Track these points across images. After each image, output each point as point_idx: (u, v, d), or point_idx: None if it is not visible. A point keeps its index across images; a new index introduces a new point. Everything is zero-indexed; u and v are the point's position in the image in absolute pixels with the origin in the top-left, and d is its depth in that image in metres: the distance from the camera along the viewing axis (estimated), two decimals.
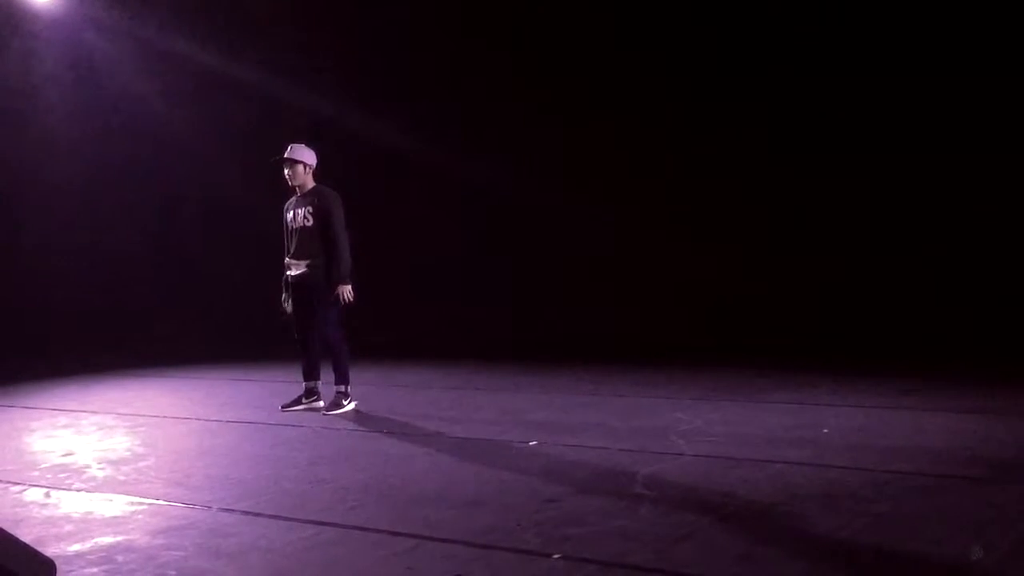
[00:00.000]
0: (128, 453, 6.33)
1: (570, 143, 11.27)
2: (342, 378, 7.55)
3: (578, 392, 8.31)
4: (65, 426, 7.43)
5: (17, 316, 11.62)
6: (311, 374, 7.74)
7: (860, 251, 10.10)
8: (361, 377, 8.87)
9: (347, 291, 7.28)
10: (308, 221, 7.40)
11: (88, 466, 5.97)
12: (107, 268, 12.94)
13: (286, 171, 7.52)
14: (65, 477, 5.70)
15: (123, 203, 13.04)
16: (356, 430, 6.92)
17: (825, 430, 6.25)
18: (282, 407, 7.68)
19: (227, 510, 4.82)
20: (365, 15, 12.20)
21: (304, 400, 7.70)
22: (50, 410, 8.20)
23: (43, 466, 6.03)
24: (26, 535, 4.21)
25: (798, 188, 10.27)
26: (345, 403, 7.53)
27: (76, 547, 4.29)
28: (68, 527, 4.62)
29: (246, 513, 4.75)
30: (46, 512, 4.94)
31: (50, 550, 4.13)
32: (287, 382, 9.27)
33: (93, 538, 4.42)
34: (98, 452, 6.39)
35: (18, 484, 5.54)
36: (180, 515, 4.79)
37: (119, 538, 4.41)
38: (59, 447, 6.62)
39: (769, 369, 8.97)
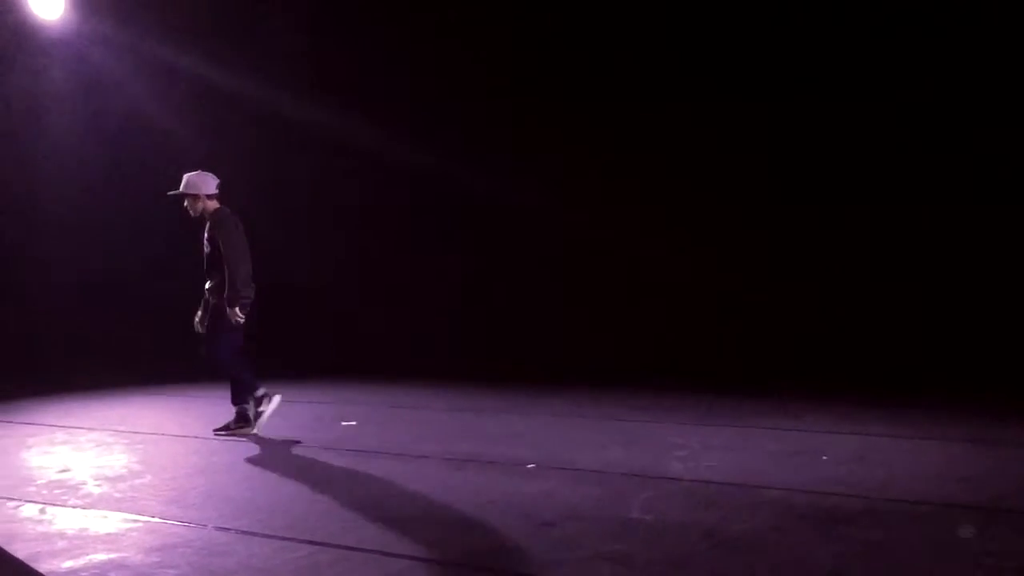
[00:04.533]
0: (125, 470, 6.32)
1: (573, 163, 11.30)
2: (238, 398, 7.48)
3: (577, 415, 8.30)
4: (63, 442, 7.42)
5: (18, 332, 11.62)
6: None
7: (859, 277, 10.10)
8: (359, 397, 8.89)
9: (235, 315, 7.22)
10: (207, 247, 7.42)
11: (84, 483, 5.96)
12: (111, 284, 12.95)
13: (185, 203, 7.52)
14: (61, 493, 5.69)
15: (128, 220, 13.06)
16: (352, 450, 6.90)
17: (824, 457, 6.24)
18: (214, 431, 7.56)
19: (222, 529, 4.81)
20: (367, 30, 12.25)
21: (232, 424, 7.53)
22: (48, 426, 8.18)
23: (39, 482, 6.02)
24: (20, 551, 4.21)
25: (800, 212, 10.28)
26: (234, 426, 7.47)
27: (69, 564, 4.28)
28: (62, 543, 4.60)
29: (241, 532, 4.74)
30: (40, 528, 4.93)
31: (43, 566, 4.13)
32: (286, 401, 9.26)
33: (87, 555, 4.41)
34: (95, 469, 6.38)
35: (14, 500, 5.52)
36: (175, 533, 4.77)
37: (113, 555, 4.40)
38: (56, 463, 6.60)
39: (768, 394, 8.97)
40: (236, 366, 7.43)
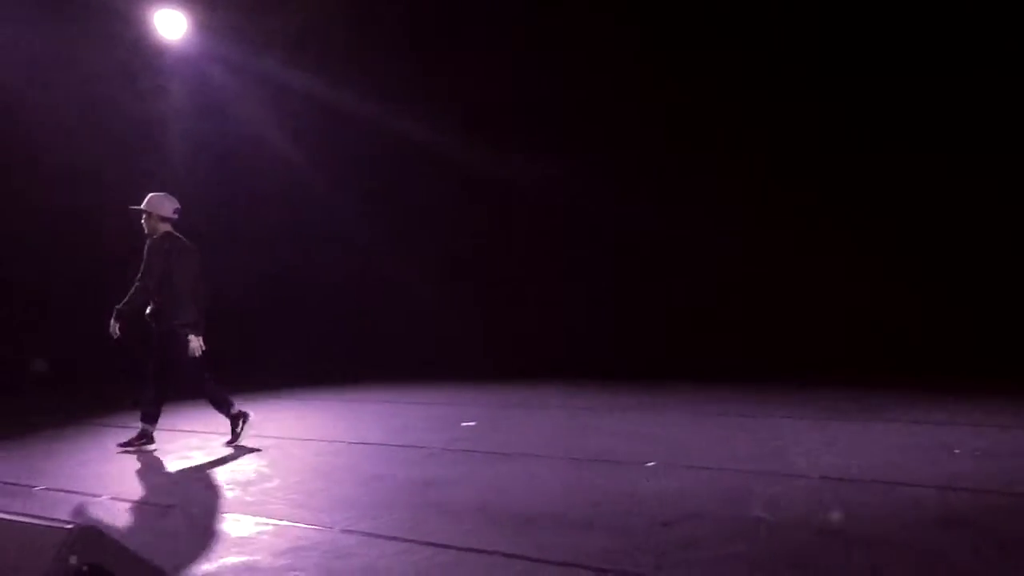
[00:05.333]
0: (254, 474, 6.54)
1: (694, 169, 11.16)
2: (230, 417, 7.68)
3: (699, 413, 8.20)
4: (197, 447, 7.72)
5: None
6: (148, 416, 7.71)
7: (987, 268, 9.70)
8: (478, 397, 8.99)
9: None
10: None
11: (218, 487, 6.19)
12: (231, 294, 13.41)
13: (143, 220, 7.61)
14: (196, 498, 5.92)
15: (246, 230, 13.51)
16: (473, 451, 6.98)
17: (956, 451, 6.02)
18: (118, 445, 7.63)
19: (347, 531, 4.93)
20: (475, 45, 12.32)
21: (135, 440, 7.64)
22: (184, 431, 8.51)
23: (176, 486, 6.28)
24: (158, 555, 4.39)
25: (932, 202, 9.95)
26: (238, 430, 7.64)
27: (205, 567, 4.46)
28: (197, 547, 4.80)
29: (365, 534, 4.85)
30: (178, 532, 5.15)
31: (181, 570, 4.31)
32: (406, 403, 9.47)
33: (220, 558, 4.58)
34: (227, 473, 6.63)
35: (153, 504, 5.78)
36: (303, 536, 4.92)
37: (244, 558, 4.56)
38: (191, 468, 6.88)
39: (893, 388, 8.69)
40: (205, 387, 7.62)
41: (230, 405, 7.70)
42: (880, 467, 5.68)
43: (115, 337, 7.37)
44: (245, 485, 6.20)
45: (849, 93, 10.43)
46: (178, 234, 7.68)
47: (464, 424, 8.15)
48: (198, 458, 7.28)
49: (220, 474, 6.60)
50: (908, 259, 10.12)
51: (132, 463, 7.22)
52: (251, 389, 11.12)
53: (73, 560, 3.03)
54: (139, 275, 7.45)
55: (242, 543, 4.84)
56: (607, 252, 11.96)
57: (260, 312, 13.53)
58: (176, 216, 7.69)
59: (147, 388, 7.68)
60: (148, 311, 7.48)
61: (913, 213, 10.13)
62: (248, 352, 12.99)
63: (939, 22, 9.87)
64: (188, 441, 8.02)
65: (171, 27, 12.00)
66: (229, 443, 7.65)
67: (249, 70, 12.86)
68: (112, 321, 7.33)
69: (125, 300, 7.40)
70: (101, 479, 6.68)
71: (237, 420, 7.68)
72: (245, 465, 6.89)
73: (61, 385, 11.98)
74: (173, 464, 7.11)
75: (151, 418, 7.67)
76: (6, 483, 6.67)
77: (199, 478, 6.50)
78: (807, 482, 5.43)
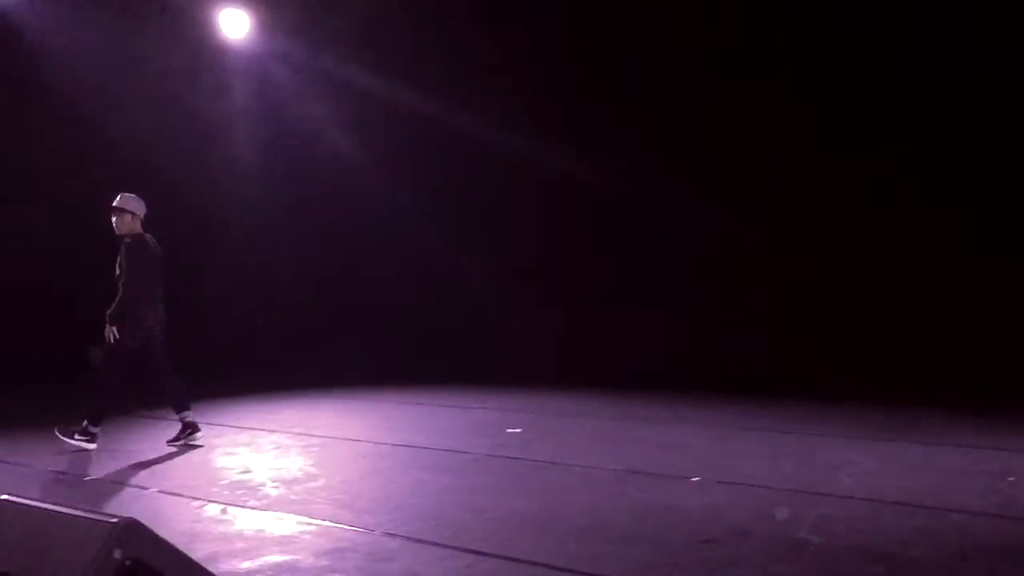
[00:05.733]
0: (300, 473, 6.58)
1: (741, 168, 11.03)
2: (91, 416, 7.49)
3: (746, 427, 8.08)
4: (245, 444, 7.79)
5: (205, 338, 12.24)
6: (179, 407, 7.76)
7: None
8: (525, 404, 8.94)
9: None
10: (118, 269, 7.53)
11: (263, 484, 6.24)
12: (290, 292, 13.54)
13: (114, 218, 7.64)
14: (241, 494, 5.97)
15: (307, 228, 13.62)
16: (517, 459, 6.95)
17: (1011, 478, 5.87)
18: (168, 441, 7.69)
19: (389, 535, 4.94)
20: (540, 42, 12.28)
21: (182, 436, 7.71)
22: (232, 427, 8.60)
23: (222, 482, 6.34)
24: (201, 550, 4.44)
25: (991, 220, 9.73)
26: (76, 438, 7.44)
27: (247, 564, 4.49)
28: (240, 544, 4.83)
29: (407, 539, 4.85)
30: (221, 528, 5.19)
31: (222, 566, 4.34)
32: (455, 407, 9.47)
33: (263, 556, 4.61)
34: (273, 471, 6.67)
35: (199, 499, 5.84)
36: (345, 537, 4.93)
37: (286, 557, 4.59)
38: (238, 464, 6.94)
39: (952, 407, 8.49)
40: (106, 386, 7.54)
41: (99, 418, 7.54)
42: (932, 491, 5.55)
43: (115, 340, 7.43)
44: (290, 483, 6.24)
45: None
46: (148, 234, 7.78)
47: (510, 431, 8.13)
48: (245, 455, 7.34)
49: (266, 471, 6.65)
50: (934, 261, 9.92)
51: (180, 457, 7.31)
52: (305, 386, 11.24)
53: (117, 554, 3.03)
54: (121, 277, 7.50)
55: (284, 542, 4.87)
56: (665, 254, 11.82)
57: (318, 310, 13.63)
58: (142, 218, 7.78)
59: (167, 382, 7.76)
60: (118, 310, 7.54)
61: (949, 212, 9.91)
62: (306, 350, 13.11)
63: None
64: (236, 437, 8.10)
65: (235, 26, 12.17)
66: (60, 430, 7.50)
67: (311, 68, 12.95)
68: (107, 326, 7.41)
69: (115, 304, 7.44)
70: (148, 472, 6.79)
71: (87, 435, 7.48)
72: (291, 463, 6.94)
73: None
74: (220, 460, 7.17)
75: (184, 407, 7.75)
76: (56, 472, 6.80)
77: (244, 475, 6.56)
78: (856, 504, 5.32)
